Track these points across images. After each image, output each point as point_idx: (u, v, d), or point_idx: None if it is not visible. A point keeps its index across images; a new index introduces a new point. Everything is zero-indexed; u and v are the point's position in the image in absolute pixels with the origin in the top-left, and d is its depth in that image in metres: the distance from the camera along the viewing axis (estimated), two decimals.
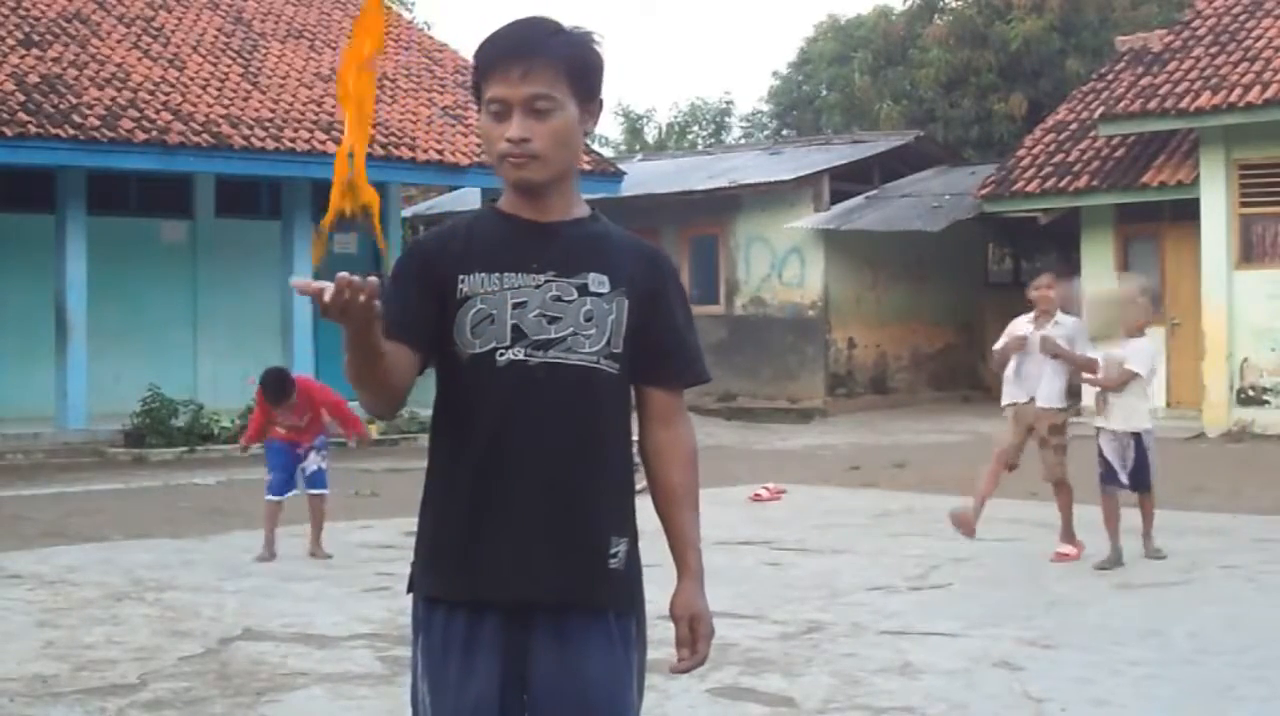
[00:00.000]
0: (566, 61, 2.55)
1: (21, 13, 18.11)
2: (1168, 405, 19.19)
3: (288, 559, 9.11)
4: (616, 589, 2.60)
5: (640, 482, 2.64)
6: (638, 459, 2.70)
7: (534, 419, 2.55)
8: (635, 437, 2.69)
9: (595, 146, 29.12)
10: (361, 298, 2.31)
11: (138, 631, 6.89)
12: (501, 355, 2.55)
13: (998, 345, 9.35)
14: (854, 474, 14.25)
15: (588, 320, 2.57)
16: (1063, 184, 19.75)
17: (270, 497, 9.23)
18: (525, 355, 2.55)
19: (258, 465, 15.39)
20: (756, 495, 12.23)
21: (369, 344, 2.40)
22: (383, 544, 9.59)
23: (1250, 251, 18.10)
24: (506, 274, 2.58)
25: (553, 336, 2.55)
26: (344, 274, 2.31)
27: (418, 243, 2.72)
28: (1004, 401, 9.52)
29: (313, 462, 9.24)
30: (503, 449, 2.56)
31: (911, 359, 23.56)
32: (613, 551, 2.59)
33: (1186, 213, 18.61)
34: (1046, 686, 5.75)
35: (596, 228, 2.66)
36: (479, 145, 19.15)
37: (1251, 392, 17.96)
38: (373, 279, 2.32)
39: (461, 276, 2.58)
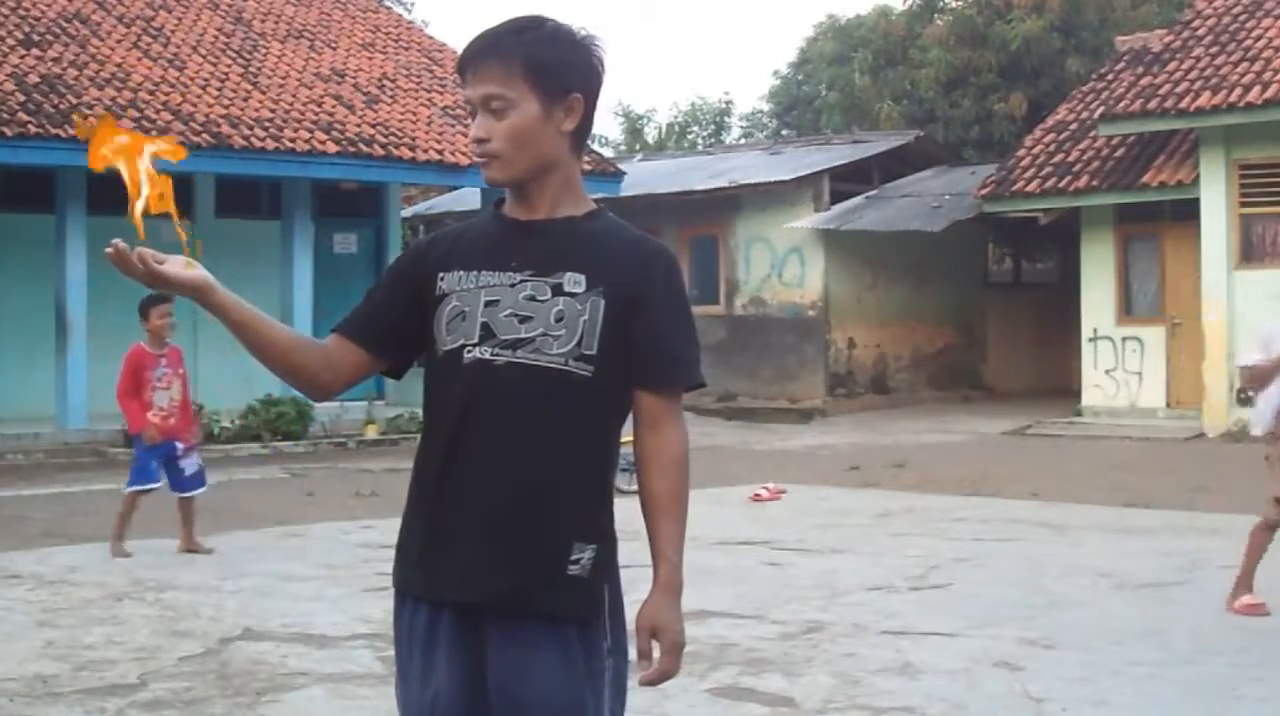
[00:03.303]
0: (523, 59, 2.52)
1: (21, 13, 18.10)
2: (1168, 405, 19.21)
3: (288, 559, 9.11)
4: (577, 596, 2.55)
5: (631, 484, 2.61)
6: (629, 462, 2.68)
7: (496, 418, 2.53)
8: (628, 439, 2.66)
9: (595, 146, 29.12)
10: (138, 266, 2.43)
11: (138, 631, 6.88)
12: (469, 353, 2.55)
13: (1254, 358, 7.40)
14: (854, 474, 14.25)
15: (558, 321, 2.53)
16: (1063, 184, 19.75)
17: (145, 486, 9.16)
18: (492, 354, 2.53)
19: (258, 464, 15.48)
20: (756, 495, 12.23)
21: (221, 318, 2.53)
22: (383, 544, 9.58)
23: (1250, 251, 18.10)
24: (484, 272, 2.57)
25: (522, 336, 2.53)
26: (116, 240, 2.42)
27: (415, 242, 2.75)
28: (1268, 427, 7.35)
29: (193, 464, 9.31)
30: (465, 446, 2.55)
31: (911, 359, 23.56)
32: (574, 557, 2.54)
33: (1186, 213, 18.62)
34: (1046, 686, 5.75)
35: (589, 226, 2.62)
36: None
37: (1252, 393, 17.92)
38: (140, 249, 2.44)
39: (441, 274, 2.60)
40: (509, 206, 2.65)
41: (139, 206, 2.49)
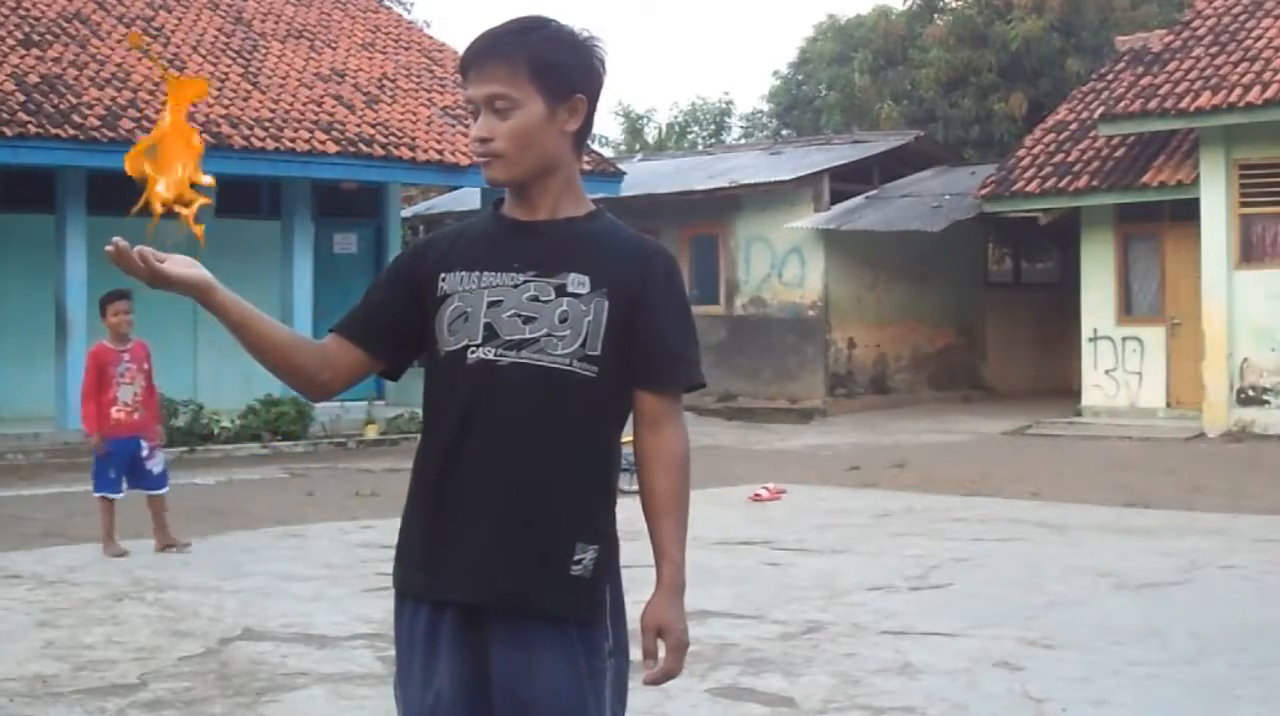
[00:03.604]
0: (528, 59, 2.53)
1: (21, 13, 18.11)
2: (1168, 405, 19.21)
3: (288, 559, 9.11)
4: (579, 596, 2.56)
5: (632, 485, 2.61)
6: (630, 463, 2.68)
7: (500, 419, 2.53)
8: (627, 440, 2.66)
9: (595, 146, 29.11)
10: (139, 263, 2.40)
11: (138, 631, 6.88)
12: (472, 353, 2.55)
13: None
14: (854, 474, 14.25)
15: (562, 321, 2.53)
16: (1063, 184, 19.75)
17: (109, 495, 9.20)
18: (496, 354, 2.53)
19: (258, 464, 15.48)
20: (756, 495, 12.22)
21: (220, 317, 2.50)
22: (383, 544, 9.58)
23: (1250, 251, 18.10)
24: (486, 273, 2.57)
25: (526, 337, 2.53)
26: (116, 238, 2.39)
27: (412, 242, 2.74)
28: None
29: (158, 463, 9.37)
30: (466, 447, 2.54)
31: (911, 359, 23.56)
32: (576, 558, 2.55)
33: (1186, 213, 18.62)
34: (1046, 686, 5.74)
35: (589, 227, 2.62)
36: None
37: (1251, 392, 17.96)
38: (141, 247, 2.40)
39: (443, 274, 2.59)
40: (509, 207, 2.65)
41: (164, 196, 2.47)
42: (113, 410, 9.19)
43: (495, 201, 2.70)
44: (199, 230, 2.52)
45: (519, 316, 2.54)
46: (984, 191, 20.71)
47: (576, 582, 2.55)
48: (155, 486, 9.32)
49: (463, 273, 2.58)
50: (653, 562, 2.64)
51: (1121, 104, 18.89)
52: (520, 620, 2.53)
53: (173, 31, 19.35)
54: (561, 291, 2.54)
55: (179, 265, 2.47)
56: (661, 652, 2.57)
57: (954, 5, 30.94)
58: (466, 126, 21.41)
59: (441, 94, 20.43)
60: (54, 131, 15.81)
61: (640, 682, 2.62)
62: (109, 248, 2.40)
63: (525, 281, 2.55)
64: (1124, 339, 19.65)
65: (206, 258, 2.54)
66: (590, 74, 2.60)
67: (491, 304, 2.55)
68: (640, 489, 2.63)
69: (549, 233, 2.59)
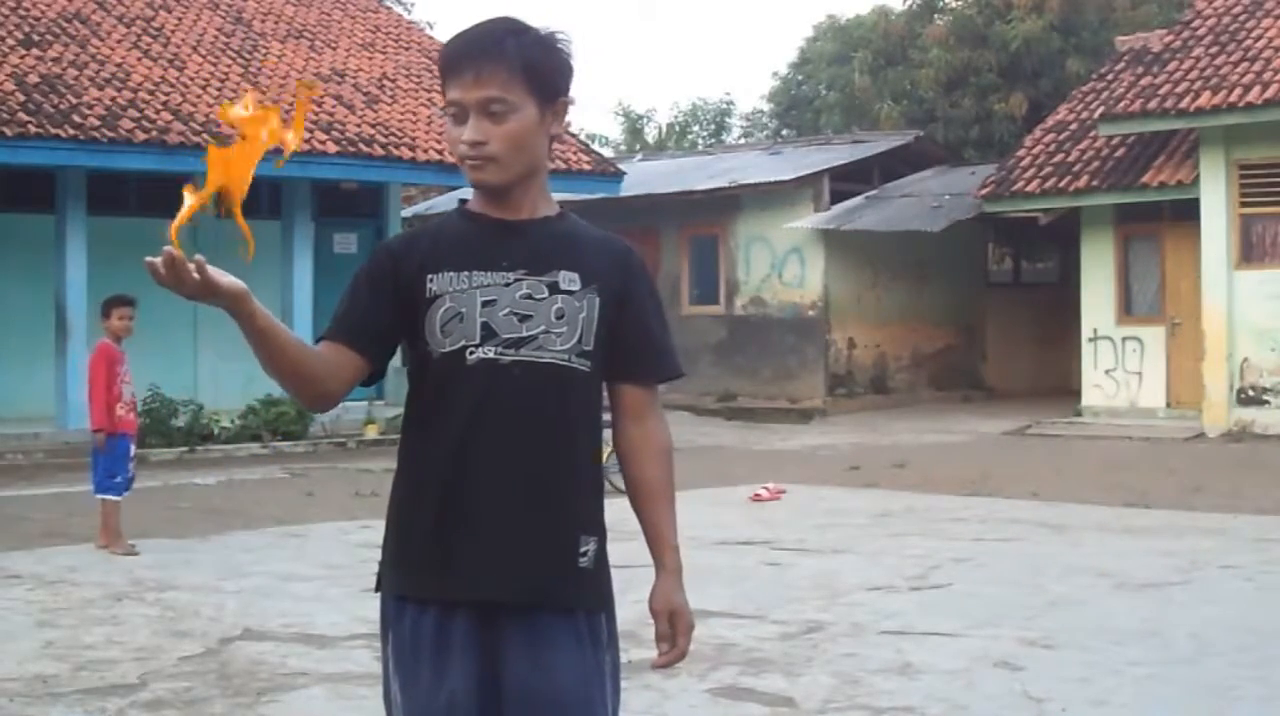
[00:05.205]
0: (523, 63, 2.53)
1: (21, 13, 18.10)
2: (1168, 405, 19.21)
3: (288, 559, 9.11)
4: (586, 588, 2.60)
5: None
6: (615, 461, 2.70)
7: (504, 417, 2.55)
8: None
9: (595, 146, 29.11)
10: (193, 276, 2.30)
11: (138, 631, 6.89)
12: (471, 353, 2.55)
13: None
14: (854, 474, 14.25)
15: (559, 318, 2.57)
16: (1063, 184, 19.74)
17: (118, 498, 9.28)
18: (496, 353, 2.55)
19: (258, 464, 15.48)
20: (756, 495, 12.23)
21: (246, 325, 2.41)
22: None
23: (1250, 251, 18.10)
24: (475, 272, 2.57)
25: (524, 334, 2.55)
26: (168, 248, 2.28)
27: (384, 245, 2.73)
28: None
29: (132, 468, 9.48)
30: (472, 447, 2.55)
31: (911, 359, 23.56)
32: (582, 550, 2.59)
33: (1186, 213, 18.61)
34: (1046, 686, 5.75)
35: (565, 226, 2.66)
36: None
37: (1251, 392, 17.95)
38: (199, 257, 2.32)
39: (430, 276, 2.59)
40: (484, 207, 2.64)
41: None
42: (119, 407, 9.23)
43: (461, 201, 2.71)
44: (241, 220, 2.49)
45: (514, 314, 2.56)
46: (984, 191, 20.71)
47: (584, 574, 2.59)
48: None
49: (451, 273, 2.58)
50: (649, 563, 2.66)
51: (1121, 104, 18.89)
52: (534, 615, 2.55)
53: (173, 31, 19.35)
54: (555, 289, 2.57)
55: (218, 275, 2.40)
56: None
57: (954, 5, 30.95)
58: None
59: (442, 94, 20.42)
60: (54, 131, 15.80)
61: (651, 667, 2.63)
62: (156, 259, 2.27)
63: (516, 279, 2.57)
64: (1124, 339, 19.65)
65: (206, 257, 2.50)
66: (570, 77, 2.64)
67: (485, 303, 2.56)
68: (628, 480, 2.68)
69: (532, 232, 2.62)
